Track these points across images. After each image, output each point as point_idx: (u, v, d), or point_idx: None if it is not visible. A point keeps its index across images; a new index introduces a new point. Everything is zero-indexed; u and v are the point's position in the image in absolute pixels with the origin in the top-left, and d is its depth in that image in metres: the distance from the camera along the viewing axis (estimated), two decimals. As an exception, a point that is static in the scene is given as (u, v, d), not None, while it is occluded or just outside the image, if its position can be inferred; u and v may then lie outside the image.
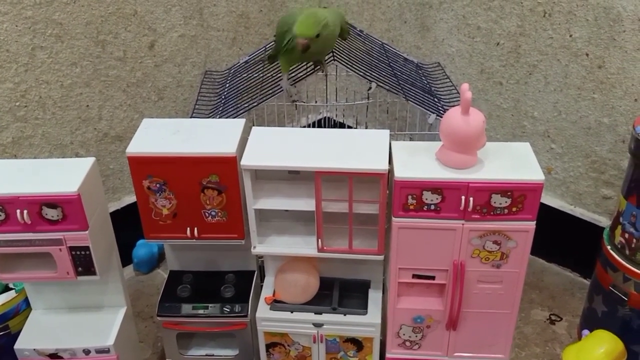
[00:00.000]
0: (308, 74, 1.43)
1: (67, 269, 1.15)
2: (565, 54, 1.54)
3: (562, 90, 1.58)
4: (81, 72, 1.52)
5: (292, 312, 1.29)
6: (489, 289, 1.19)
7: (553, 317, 1.58)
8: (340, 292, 1.32)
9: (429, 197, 1.10)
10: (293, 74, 1.45)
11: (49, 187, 1.09)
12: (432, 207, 1.11)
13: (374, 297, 1.32)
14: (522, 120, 1.68)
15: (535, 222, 1.11)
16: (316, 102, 1.57)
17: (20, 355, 1.24)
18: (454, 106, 1.14)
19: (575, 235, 1.67)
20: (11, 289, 1.31)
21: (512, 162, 1.12)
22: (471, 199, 1.08)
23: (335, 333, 1.28)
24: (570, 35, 1.51)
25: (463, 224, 1.12)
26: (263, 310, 1.29)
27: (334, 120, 2.01)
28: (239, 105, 1.45)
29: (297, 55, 1.29)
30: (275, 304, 1.30)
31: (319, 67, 1.40)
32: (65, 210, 1.10)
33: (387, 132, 1.22)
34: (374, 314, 1.28)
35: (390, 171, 1.13)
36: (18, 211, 1.09)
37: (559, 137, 1.63)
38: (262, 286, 1.36)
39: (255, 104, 1.42)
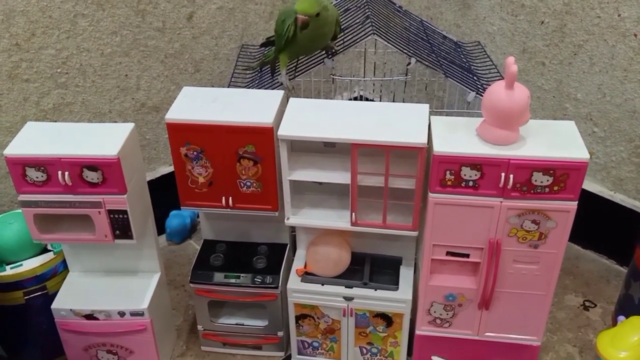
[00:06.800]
0: (343, 49, 1.41)
1: (105, 232, 1.17)
2: (613, 34, 1.48)
3: (607, 72, 1.53)
4: (121, 42, 1.53)
5: (322, 285, 1.29)
6: (524, 270, 1.17)
7: (587, 303, 1.55)
8: (372, 267, 1.32)
9: (467, 173, 1.08)
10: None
11: (90, 150, 1.11)
12: (470, 183, 1.09)
13: (405, 274, 1.31)
14: (564, 102, 1.64)
15: (577, 203, 1.08)
16: (353, 76, 1.55)
17: (57, 315, 1.27)
18: (495, 83, 1.11)
19: (613, 222, 1.63)
20: (49, 250, 1.34)
21: (555, 140, 1.09)
22: (511, 176, 1.06)
23: (365, 307, 1.28)
24: (619, 15, 1.46)
25: (501, 202, 1.10)
26: (294, 282, 1.30)
27: (369, 100, 1.99)
28: (274, 80, 1.45)
29: (296, 46, 1.29)
30: (307, 276, 1.31)
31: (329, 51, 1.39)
32: (105, 173, 1.12)
33: (426, 106, 1.20)
34: (405, 290, 1.27)
35: (429, 146, 1.11)
36: (59, 172, 1.11)
37: (601, 120, 1.58)
38: (293, 260, 1.36)
39: (290, 77, 1.41)
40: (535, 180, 1.06)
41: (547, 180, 1.06)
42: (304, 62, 1.47)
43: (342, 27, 1.50)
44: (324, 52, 1.41)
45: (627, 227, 1.58)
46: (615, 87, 1.53)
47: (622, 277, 1.54)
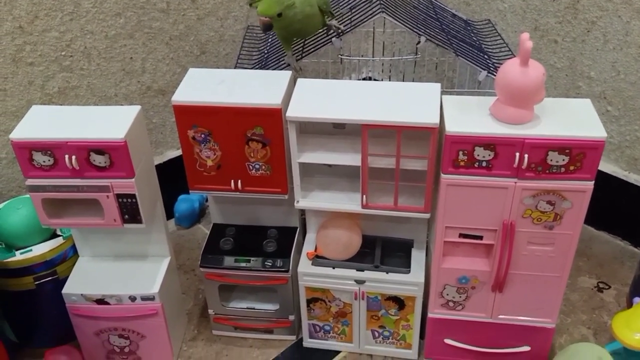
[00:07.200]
0: (351, 29, 1.38)
1: (114, 216, 1.16)
2: (627, 10, 1.45)
3: (622, 49, 1.49)
4: (125, 23, 1.51)
5: (333, 268, 1.28)
6: (539, 251, 1.15)
7: (601, 285, 1.53)
8: (383, 250, 1.31)
9: (481, 154, 1.06)
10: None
11: (97, 133, 1.10)
12: (484, 164, 1.07)
13: (417, 257, 1.29)
14: (577, 80, 1.60)
15: (593, 182, 1.06)
16: (362, 56, 1.52)
17: (68, 300, 1.27)
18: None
19: (628, 202, 1.60)
20: (59, 235, 1.33)
21: (571, 119, 1.06)
22: (526, 155, 1.04)
23: (377, 291, 1.27)
24: (634, -10, 1.42)
25: (515, 183, 1.08)
26: (305, 265, 1.29)
27: (378, 81, 1.96)
28: (281, 61, 1.43)
29: (285, 32, 1.26)
30: (317, 259, 1.29)
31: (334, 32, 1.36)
32: (113, 156, 1.10)
33: (438, 85, 1.17)
34: (417, 273, 1.26)
35: (441, 126, 1.09)
36: (67, 156, 1.09)
37: (616, 99, 1.55)
38: (303, 243, 1.35)
39: (297, 58, 1.39)
40: (551, 160, 1.04)
41: (563, 160, 1.04)
42: (311, 43, 1.44)
43: (350, 6, 1.47)
44: (331, 31, 1.38)
45: (641, 207, 1.56)
46: (630, 64, 1.49)
47: (637, 258, 1.52)
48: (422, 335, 1.34)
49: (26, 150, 1.10)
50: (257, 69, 1.46)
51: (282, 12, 1.19)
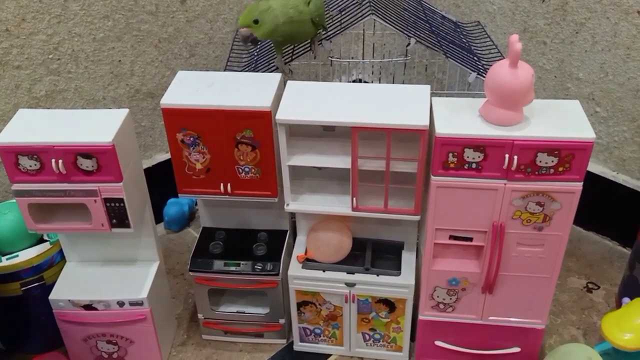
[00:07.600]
0: (340, 31, 1.38)
1: (102, 221, 1.15)
2: (616, 11, 1.46)
3: (610, 50, 1.50)
4: (113, 26, 1.50)
5: (324, 271, 1.27)
6: (528, 252, 1.15)
7: (590, 285, 1.54)
8: (373, 253, 1.30)
9: (470, 155, 1.06)
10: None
11: (84, 137, 1.08)
12: (474, 165, 1.07)
13: (408, 259, 1.29)
14: (565, 82, 1.61)
15: (582, 183, 1.06)
16: (352, 58, 1.52)
17: (55, 306, 1.25)
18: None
19: (616, 203, 1.61)
20: (46, 240, 1.32)
21: (560, 120, 1.07)
22: (515, 157, 1.04)
23: (367, 293, 1.27)
24: (622, -8, 1.43)
25: (505, 184, 1.08)
26: (295, 269, 1.28)
27: (368, 83, 1.96)
28: (271, 64, 1.42)
29: (275, 37, 1.25)
30: (308, 262, 1.29)
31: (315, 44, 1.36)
32: (100, 160, 1.09)
33: (427, 87, 1.17)
34: (407, 275, 1.26)
35: (431, 128, 1.09)
36: (53, 160, 1.08)
37: (604, 100, 1.56)
38: (294, 246, 1.35)
39: (287, 60, 1.38)
40: (540, 161, 1.04)
41: (552, 161, 1.04)
42: (301, 45, 1.44)
43: (339, 8, 1.47)
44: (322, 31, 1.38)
45: (630, 208, 1.57)
46: (618, 65, 1.50)
47: (626, 258, 1.53)
48: (412, 338, 1.33)
49: (12, 155, 1.09)
50: (246, 71, 1.45)
51: (258, 19, 1.19)
